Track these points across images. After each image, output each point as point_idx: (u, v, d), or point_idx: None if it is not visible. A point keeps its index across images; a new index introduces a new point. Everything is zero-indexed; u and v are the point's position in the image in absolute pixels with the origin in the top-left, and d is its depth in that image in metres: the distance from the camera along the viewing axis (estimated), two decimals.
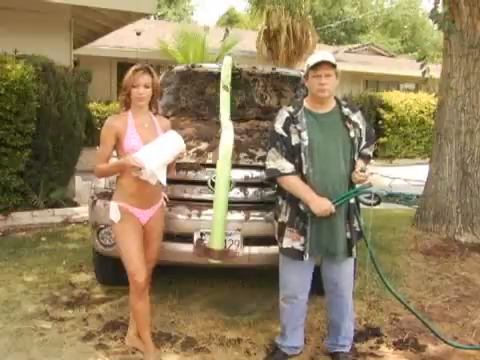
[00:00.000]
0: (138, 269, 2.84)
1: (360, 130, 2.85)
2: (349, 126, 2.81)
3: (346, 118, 2.83)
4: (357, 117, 2.86)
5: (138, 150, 2.71)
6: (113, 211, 2.82)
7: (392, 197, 8.30)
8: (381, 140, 14.46)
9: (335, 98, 2.92)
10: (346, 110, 2.85)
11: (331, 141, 2.76)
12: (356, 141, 2.81)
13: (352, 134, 2.80)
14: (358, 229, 2.90)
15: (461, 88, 5.69)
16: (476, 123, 5.63)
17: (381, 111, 14.45)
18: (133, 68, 2.94)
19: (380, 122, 14.49)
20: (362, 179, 2.74)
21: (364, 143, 2.88)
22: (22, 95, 5.67)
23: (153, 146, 2.74)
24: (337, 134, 2.79)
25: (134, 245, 2.82)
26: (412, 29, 35.78)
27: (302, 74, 5.33)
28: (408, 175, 10.31)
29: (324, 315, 3.59)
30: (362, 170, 2.73)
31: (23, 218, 6.00)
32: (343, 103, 2.89)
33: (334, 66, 2.76)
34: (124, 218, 2.79)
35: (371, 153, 2.94)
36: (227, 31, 13.10)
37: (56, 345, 3.06)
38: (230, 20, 29.66)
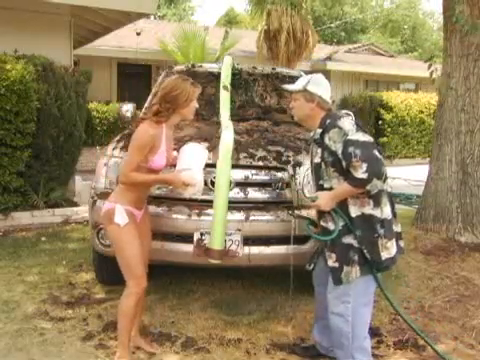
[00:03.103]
0: (144, 273, 2.85)
1: (332, 152, 2.55)
2: (314, 151, 2.69)
3: (314, 142, 2.72)
4: (329, 138, 2.56)
5: (162, 168, 2.84)
6: (120, 214, 2.72)
7: (392, 197, 8.30)
8: (381, 140, 14.46)
9: (327, 116, 2.68)
10: (318, 131, 2.65)
11: (312, 167, 2.79)
12: (323, 166, 2.61)
13: (316, 160, 2.66)
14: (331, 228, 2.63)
15: (461, 88, 5.70)
16: (476, 123, 5.64)
17: (381, 111, 14.45)
18: (189, 81, 2.83)
19: (380, 122, 14.50)
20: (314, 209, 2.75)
21: (345, 163, 2.51)
22: (22, 95, 5.66)
23: (194, 161, 2.86)
24: (312, 160, 2.78)
25: (140, 249, 2.79)
26: (412, 29, 35.77)
27: (302, 74, 5.35)
28: (408, 175, 10.31)
29: None
30: (312, 200, 2.68)
31: (23, 218, 6.00)
32: (325, 121, 2.63)
33: (299, 91, 2.72)
34: (130, 221, 2.74)
35: (360, 175, 2.44)
36: (227, 32, 13.15)
37: (56, 345, 3.06)
38: (230, 21, 29.65)
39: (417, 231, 5.86)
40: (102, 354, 2.98)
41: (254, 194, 3.37)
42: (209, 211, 3.22)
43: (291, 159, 3.48)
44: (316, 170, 2.69)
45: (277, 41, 13.14)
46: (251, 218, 3.28)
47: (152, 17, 21.51)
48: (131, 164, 2.72)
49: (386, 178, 2.55)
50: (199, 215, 3.28)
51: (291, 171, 3.42)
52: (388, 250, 2.56)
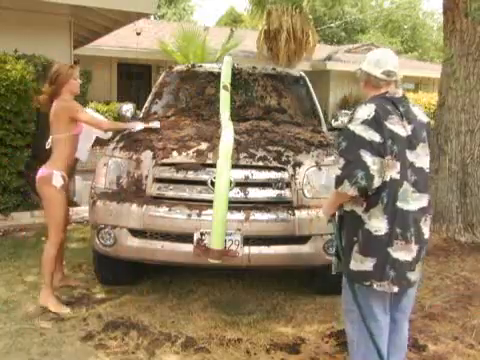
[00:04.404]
0: (64, 227, 3.71)
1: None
2: None
3: None
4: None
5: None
6: (56, 178, 3.47)
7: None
8: None
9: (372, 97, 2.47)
10: None
11: None
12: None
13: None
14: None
15: (461, 88, 5.70)
16: (476, 123, 5.64)
17: None
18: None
19: None
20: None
21: None
22: (22, 95, 5.67)
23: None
24: None
25: (66, 209, 3.69)
26: (412, 29, 35.77)
27: (302, 74, 5.36)
28: None
29: (324, 315, 3.59)
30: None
31: (23, 218, 6.00)
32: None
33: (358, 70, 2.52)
34: (63, 185, 3.53)
35: (336, 171, 2.27)
36: (232, 31, 13.16)
37: (56, 345, 3.06)
38: (235, 20, 29.64)
39: None
40: (102, 354, 2.98)
41: (254, 194, 3.37)
42: (209, 211, 3.22)
43: (291, 159, 3.48)
44: None
45: (277, 41, 13.15)
46: (251, 218, 3.28)
47: (152, 17, 21.52)
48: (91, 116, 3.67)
49: (383, 192, 2.24)
50: (199, 215, 3.27)
51: (291, 171, 3.42)
52: (355, 261, 2.33)
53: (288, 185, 3.41)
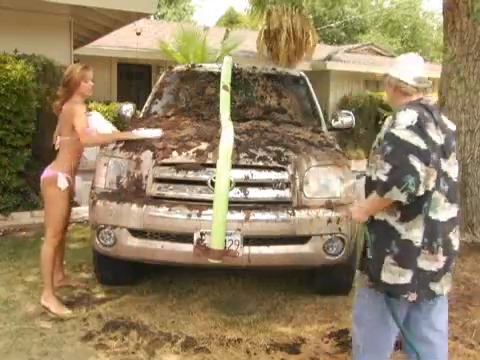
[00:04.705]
0: (62, 228, 3.70)
1: (381, 139, 2.29)
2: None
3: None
4: (385, 123, 2.33)
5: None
6: (61, 180, 3.49)
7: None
8: None
9: (408, 103, 2.34)
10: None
11: None
12: (373, 152, 2.37)
13: (373, 144, 2.40)
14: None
15: (461, 88, 5.69)
16: (476, 123, 5.63)
17: (381, 111, 14.45)
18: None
19: (380, 122, 14.50)
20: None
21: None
22: (22, 95, 5.67)
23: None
24: None
25: (67, 211, 3.71)
26: (412, 29, 35.77)
27: (302, 74, 5.36)
28: None
29: (324, 315, 3.59)
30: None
31: (23, 218, 5.99)
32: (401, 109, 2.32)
33: (385, 76, 2.43)
34: (67, 187, 3.55)
35: (381, 176, 2.13)
36: (227, 32, 13.15)
37: (56, 345, 3.06)
38: (231, 21, 29.63)
39: None
40: (102, 354, 2.98)
41: (254, 194, 3.37)
42: (209, 211, 3.22)
43: (291, 159, 3.47)
44: (370, 154, 2.41)
45: (277, 41, 13.14)
46: (251, 218, 3.27)
47: (152, 17, 21.52)
48: (85, 127, 3.49)
49: (425, 201, 2.18)
50: (199, 215, 3.27)
51: (291, 171, 3.42)
52: (392, 274, 2.24)
53: (288, 185, 3.41)
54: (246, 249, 3.29)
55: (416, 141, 2.12)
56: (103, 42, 11.36)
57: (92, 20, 8.08)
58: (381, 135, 2.29)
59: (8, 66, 5.64)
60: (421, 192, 2.12)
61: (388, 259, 2.24)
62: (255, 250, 3.32)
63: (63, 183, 3.51)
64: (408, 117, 2.19)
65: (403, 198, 2.11)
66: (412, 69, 2.34)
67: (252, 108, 4.62)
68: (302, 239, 3.38)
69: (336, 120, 4.81)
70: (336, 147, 3.87)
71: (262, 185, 3.41)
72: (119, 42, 12.95)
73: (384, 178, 2.11)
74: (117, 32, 9.87)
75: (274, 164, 3.43)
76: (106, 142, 3.71)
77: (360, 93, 14.92)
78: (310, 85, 5.18)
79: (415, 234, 2.21)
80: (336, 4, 32.76)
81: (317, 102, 5.03)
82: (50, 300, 3.52)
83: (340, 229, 3.43)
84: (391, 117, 2.27)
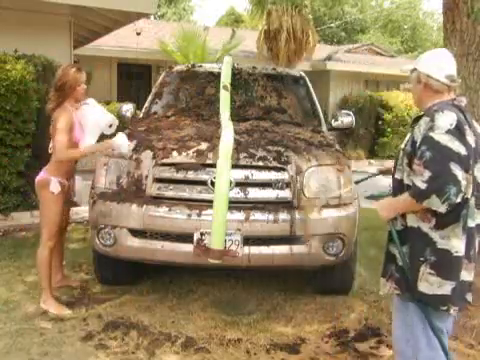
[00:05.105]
0: (57, 232, 3.65)
1: (414, 141, 2.16)
2: (407, 135, 2.30)
3: (410, 124, 2.34)
4: (419, 125, 2.17)
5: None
6: (54, 185, 3.47)
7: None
8: (381, 140, 14.48)
9: (440, 103, 2.21)
10: (421, 115, 2.25)
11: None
12: (402, 153, 2.25)
13: (402, 145, 2.30)
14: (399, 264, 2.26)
15: (461, 88, 5.69)
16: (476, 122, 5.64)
17: (381, 111, 14.45)
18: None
19: (380, 122, 14.51)
20: None
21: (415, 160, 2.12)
22: (22, 95, 5.67)
23: (95, 122, 3.63)
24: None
25: (61, 214, 3.62)
26: (412, 29, 35.77)
27: (302, 74, 5.36)
28: None
29: (324, 315, 3.59)
30: (376, 198, 2.36)
31: (23, 218, 5.99)
32: (433, 108, 2.19)
33: (412, 71, 2.30)
34: (61, 191, 3.52)
35: (419, 183, 2.02)
36: (233, 31, 13.15)
37: (56, 345, 3.06)
38: (236, 20, 29.60)
39: None
40: (102, 354, 2.98)
41: (254, 194, 3.37)
42: (209, 211, 3.22)
43: (291, 159, 3.47)
44: (398, 155, 2.31)
45: (277, 41, 13.14)
46: (251, 218, 3.27)
47: (152, 17, 21.52)
48: (63, 143, 3.41)
49: (464, 208, 2.08)
50: (199, 215, 3.27)
51: (291, 171, 3.42)
52: (429, 284, 2.13)
53: (288, 185, 3.41)
54: (246, 249, 3.29)
55: (456, 147, 2.01)
56: (103, 42, 11.36)
57: (92, 20, 8.08)
58: (414, 137, 2.16)
59: (8, 66, 5.64)
60: (459, 200, 2.01)
61: (424, 268, 2.14)
62: (255, 250, 3.32)
63: (55, 188, 3.49)
64: (447, 120, 2.06)
65: (443, 209, 2.01)
66: (444, 66, 2.20)
67: (252, 108, 4.62)
68: (302, 239, 3.38)
69: (336, 120, 4.81)
70: (336, 147, 3.86)
71: (262, 185, 3.41)
72: (119, 42, 12.96)
73: (423, 186, 2.00)
74: (117, 32, 9.87)
75: (274, 164, 3.43)
76: (78, 158, 3.74)
77: (360, 93, 14.91)
78: (310, 85, 5.18)
79: (454, 244, 2.10)
80: (336, 4, 32.77)
81: (317, 102, 5.03)
82: (49, 302, 3.53)
83: (340, 229, 3.43)
84: (427, 118, 2.12)
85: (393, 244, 2.27)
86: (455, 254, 2.10)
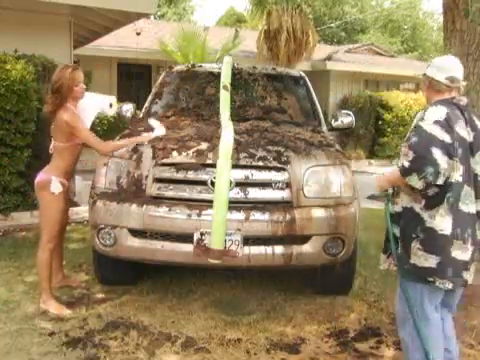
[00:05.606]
0: (57, 233, 3.64)
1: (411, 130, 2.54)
2: None
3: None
4: (416, 117, 2.55)
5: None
6: (55, 184, 3.47)
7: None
8: (381, 140, 14.48)
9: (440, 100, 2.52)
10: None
11: None
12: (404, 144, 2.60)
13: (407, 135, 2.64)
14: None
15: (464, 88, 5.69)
16: None
17: (381, 111, 14.46)
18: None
19: (380, 122, 14.51)
20: None
21: None
22: (22, 95, 5.66)
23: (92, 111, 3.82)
24: None
25: (61, 214, 3.61)
26: (412, 29, 35.77)
27: (302, 74, 5.36)
28: None
29: (324, 315, 3.59)
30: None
31: (23, 218, 5.99)
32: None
33: (423, 75, 2.63)
34: (61, 191, 3.52)
35: (405, 162, 2.35)
36: (237, 31, 13.15)
37: (56, 345, 3.06)
38: (239, 20, 29.57)
39: None
40: (102, 354, 2.98)
41: (254, 194, 3.37)
42: (209, 211, 3.22)
43: (291, 159, 3.47)
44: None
45: (277, 41, 13.14)
46: (251, 218, 3.28)
47: (152, 17, 21.51)
48: (95, 137, 3.55)
49: (449, 192, 2.34)
50: (199, 215, 3.27)
51: (291, 171, 3.42)
52: (417, 258, 2.42)
53: (288, 185, 3.41)
54: (246, 249, 3.29)
55: (441, 135, 2.30)
56: (103, 42, 11.35)
57: (92, 20, 8.07)
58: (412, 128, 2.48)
59: (8, 66, 5.64)
60: (440, 182, 2.29)
61: (415, 244, 2.43)
62: (255, 250, 3.32)
63: (57, 188, 3.49)
64: (437, 113, 2.37)
65: (420, 185, 2.31)
66: (446, 69, 2.51)
67: (252, 108, 4.62)
68: (302, 239, 3.38)
69: (336, 120, 4.81)
70: (336, 147, 3.86)
71: (262, 185, 3.41)
72: (119, 42, 12.95)
73: (407, 164, 2.32)
74: (117, 32, 9.86)
75: (274, 164, 3.43)
76: (123, 146, 3.58)
77: (360, 93, 14.91)
78: (310, 85, 5.18)
79: (439, 223, 2.37)
80: (336, 4, 32.77)
81: (317, 102, 5.03)
82: (49, 303, 3.53)
83: (340, 229, 3.43)
84: (422, 112, 2.46)
85: (395, 225, 2.55)
86: (440, 232, 2.38)
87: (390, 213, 2.59)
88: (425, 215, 2.41)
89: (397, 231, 2.55)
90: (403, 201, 2.50)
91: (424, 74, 2.59)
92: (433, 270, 2.40)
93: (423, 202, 2.41)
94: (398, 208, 2.55)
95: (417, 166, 2.28)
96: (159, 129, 3.71)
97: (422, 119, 2.39)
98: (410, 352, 2.56)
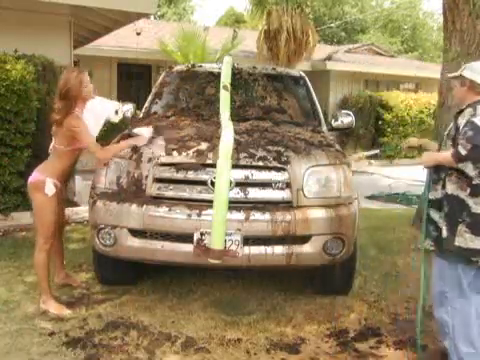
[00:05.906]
0: (54, 234, 3.60)
1: (457, 127, 2.74)
2: (452, 123, 2.88)
3: (454, 115, 2.87)
4: (463, 115, 2.75)
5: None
6: (49, 186, 3.42)
7: (392, 197, 8.27)
8: (381, 140, 14.48)
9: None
10: (463, 107, 2.83)
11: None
12: (446, 137, 2.90)
13: (446, 130, 2.92)
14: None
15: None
16: None
17: (381, 111, 14.46)
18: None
19: (380, 122, 14.51)
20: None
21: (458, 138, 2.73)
22: (22, 95, 5.66)
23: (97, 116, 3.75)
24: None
25: (56, 215, 3.57)
26: (412, 29, 35.77)
27: (302, 74, 5.36)
28: (408, 175, 10.30)
29: (324, 315, 3.60)
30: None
31: (23, 218, 5.99)
32: (477, 104, 2.77)
33: (456, 77, 2.90)
34: (55, 192, 3.48)
35: (462, 151, 2.60)
36: (235, 32, 13.14)
37: (56, 345, 3.06)
38: (237, 20, 29.58)
39: (417, 231, 5.85)
40: (102, 354, 2.98)
41: (254, 194, 3.37)
42: (209, 211, 3.22)
43: (291, 159, 3.47)
44: (442, 138, 2.95)
45: (277, 41, 13.13)
46: (251, 218, 3.28)
47: (152, 17, 21.51)
48: (96, 143, 3.51)
49: None
50: (199, 215, 3.27)
51: (291, 171, 3.42)
52: (464, 239, 2.63)
53: (288, 185, 3.41)
54: (246, 249, 3.29)
55: None
56: (103, 42, 11.35)
57: (92, 20, 8.07)
58: (458, 124, 2.71)
59: (8, 66, 5.64)
60: None
61: (461, 227, 2.65)
62: (255, 250, 3.32)
63: (50, 190, 3.44)
64: None
65: (473, 173, 2.59)
66: None
67: (252, 108, 4.62)
68: (302, 239, 3.38)
69: (336, 120, 4.81)
70: (336, 147, 3.86)
71: (262, 185, 3.41)
72: (119, 42, 12.95)
73: (464, 152, 2.55)
74: (117, 32, 9.85)
75: (274, 164, 3.43)
76: (118, 150, 3.56)
77: (360, 93, 14.91)
78: (310, 85, 5.18)
79: None
80: (336, 4, 32.77)
81: (317, 102, 5.03)
82: (48, 303, 3.53)
83: (340, 229, 3.43)
84: (470, 109, 2.72)
85: (434, 210, 2.81)
86: None
87: (429, 199, 2.84)
88: (470, 201, 2.63)
89: (436, 215, 2.78)
90: (448, 189, 2.71)
91: (461, 76, 2.83)
92: (478, 251, 2.62)
93: (468, 190, 2.63)
94: (438, 194, 2.79)
95: (474, 155, 2.54)
96: (146, 131, 3.68)
97: (474, 115, 2.63)
98: (451, 328, 2.75)
